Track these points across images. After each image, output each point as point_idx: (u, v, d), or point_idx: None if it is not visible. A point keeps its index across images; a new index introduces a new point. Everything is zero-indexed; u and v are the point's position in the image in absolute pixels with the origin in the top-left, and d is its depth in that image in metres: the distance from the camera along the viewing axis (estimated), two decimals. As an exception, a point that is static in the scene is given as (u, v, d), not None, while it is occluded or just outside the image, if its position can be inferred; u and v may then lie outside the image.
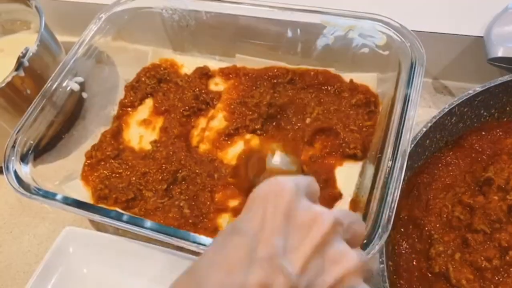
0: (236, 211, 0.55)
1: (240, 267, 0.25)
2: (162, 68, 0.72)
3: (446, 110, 0.50)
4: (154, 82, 0.70)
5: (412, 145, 0.48)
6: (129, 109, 0.69)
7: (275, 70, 0.67)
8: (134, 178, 0.60)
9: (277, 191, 0.28)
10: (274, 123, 0.63)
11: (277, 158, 0.60)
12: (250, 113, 0.64)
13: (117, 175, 0.61)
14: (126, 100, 0.69)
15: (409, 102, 0.50)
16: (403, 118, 0.49)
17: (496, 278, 0.47)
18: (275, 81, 0.67)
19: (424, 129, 0.49)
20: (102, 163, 0.62)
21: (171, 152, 0.62)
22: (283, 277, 0.24)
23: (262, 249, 0.25)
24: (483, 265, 0.47)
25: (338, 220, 0.28)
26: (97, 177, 0.61)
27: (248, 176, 0.58)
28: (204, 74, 0.70)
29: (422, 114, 0.64)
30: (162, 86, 0.70)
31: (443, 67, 0.67)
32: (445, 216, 0.52)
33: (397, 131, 0.48)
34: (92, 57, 0.66)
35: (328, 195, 0.55)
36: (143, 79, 0.71)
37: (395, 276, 0.47)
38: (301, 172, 0.58)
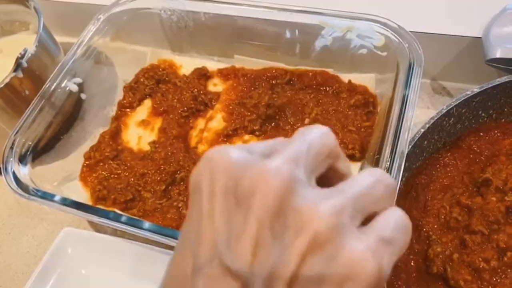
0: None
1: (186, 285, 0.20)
2: (160, 69, 0.72)
3: (444, 111, 0.50)
4: (152, 83, 0.70)
5: (410, 146, 0.48)
6: (128, 110, 0.69)
7: (274, 71, 0.67)
8: (132, 179, 0.60)
9: (211, 165, 0.21)
10: (272, 124, 0.63)
11: None
12: (249, 114, 0.64)
13: (116, 176, 0.61)
14: (124, 101, 0.69)
15: (407, 103, 0.50)
16: (401, 119, 0.49)
17: (494, 279, 0.47)
18: (273, 82, 0.67)
19: (422, 130, 0.49)
20: (101, 164, 0.62)
21: (169, 153, 0.62)
22: (231, 279, 0.19)
23: (202, 251, 0.20)
24: (481, 266, 0.47)
25: (290, 161, 0.20)
26: (95, 178, 0.61)
27: None
28: (202, 75, 0.70)
29: (420, 115, 0.64)
30: (160, 87, 0.70)
31: (442, 68, 0.67)
32: (443, 217, 0.52)
33: (395, 132, 0.48)
34: (90, 58, 0.66)
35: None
36: (141, 80, 0.71)
37: (393, 277, 0.47)
38: None
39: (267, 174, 0.19)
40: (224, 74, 0.70)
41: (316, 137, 0.23)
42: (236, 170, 0.20)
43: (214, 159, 0.21)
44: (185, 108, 0.66)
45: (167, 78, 0.71)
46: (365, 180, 0.22)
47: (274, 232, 0.19)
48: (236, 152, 0.21)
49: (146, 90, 0.70)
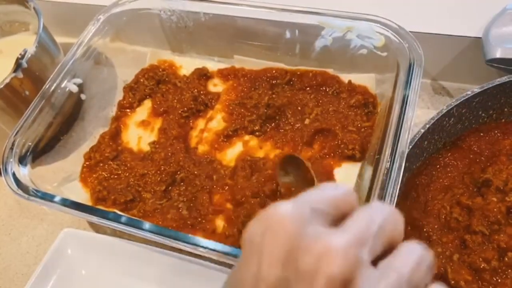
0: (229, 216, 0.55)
1: None
2: (160, 69, 0.72)
3: (444, 111, 0.50)
4: (152, 84, 0.70)
5: (410, 147, 0.48)
6: (128, 110, 0.69)
7: (274, 71, 0.67)
8: (132, 180, 0.60)
9: (273, 231, 0.21)
10: (272, 124, 0.63)
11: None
12: (249, 114, 0.64)
13: (116, 176, 0.61)
14: (124, 102, 0.69)
15: (407, 103, 0.50)
16: (401, 119, 0.49)
17: (494, 279, 0.47)
18: (273, 82, 0.67)
19: (422, 131, 0.49)
20: (101, 164, 0.62)
21: (169, 154, 0.62)
22: None
23: None
24: (481, 266, 0.47)
25: (360, 246, 0.20)
26: (95, 178, 0.61)
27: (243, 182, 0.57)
28: (202, 75, 0.70)
29: (420, 115, 0.64)
30: (160, 87, 0.70)
31: (442, 68, 0.67)
32: (443, 217, 0.52)
33: (395, 132, 0.48)
34: (90, 58, 0.66)
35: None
36: (141, 80, 0.71)
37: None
38: None
39: (333, 255, 0.19)
40: (224, 74, 0.70)
41: (387, 218, 0.23)
42: (300, 239, 0.20)
43: (277, 220, 0.21)
44: (185, 109, 0.66)
45: (167, 79, 0.71)
46: (413, 258, 0.22)
47: None
48: (299, 215, 0.21)
49: (146, 90, 0.70)
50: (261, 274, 0.20)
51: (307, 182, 0.53)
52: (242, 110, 0.65)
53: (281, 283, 0.20)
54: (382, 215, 0.23)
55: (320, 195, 0.23)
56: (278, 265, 0.20)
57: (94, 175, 0.62)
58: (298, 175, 0.55)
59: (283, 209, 0.21)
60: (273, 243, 0.20)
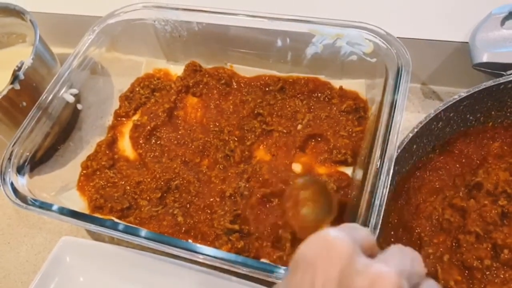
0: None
1: None
2: (155, 78, 0.73)
3: (432, 115, 0.51)
4: (148, 92, 0.71)
5: (399, 150, 0.49)
6: (124, 119, 0.70)
7: (266, 78, 0.68)
8: (129, 187, 0.61)
9: (328, 253, 0.23)
10: (266, 130, 0.64)
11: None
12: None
13: (112, 184, 0.62)
14: (120, 110, 0.70)
15: (396, 108, 0.51)
16: (390, 124, 0.50)
17: (485, 278, 0.48)
18: (266, 89, 0.68)
19: (411, 135, 0.50)
20: (98, 173, 0.63)
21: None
22: None
23: None
24: (474, 264, 0.48)
25: (402, 273, 0.23)
26: (92, 187, 0.62)
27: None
28: (195, 70, 0.71)
29: (411, 119, 0.65)
30: (155, 95, 0.71)
31: (431, 73, 0.68)
32: (435, 219, 0.52)
33: (384, 136, 0.49)
34: (86, 68, 0.67)
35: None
36: (137, 89, 0.72)
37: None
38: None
39: (386, 279, 0.22)
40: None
41: (416, 256, 0.26)
42: (354, 262, 0.23)
43: (333, 244, 0.23)
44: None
45: (162, 87, 0.72)
46: None
47: None
48: (351, 242, 0.24)
49: (142, 99, 0.71)
50: None
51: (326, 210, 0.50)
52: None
53: None
54: (412, 253, 0.26)
55: (359, 231, 0.26)
56: (333, 283, 0.22)
57: (91, 184, 0.63)
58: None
59: (337, 234, 0.24)
60: (328, 263, 0.23)
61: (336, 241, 0.24)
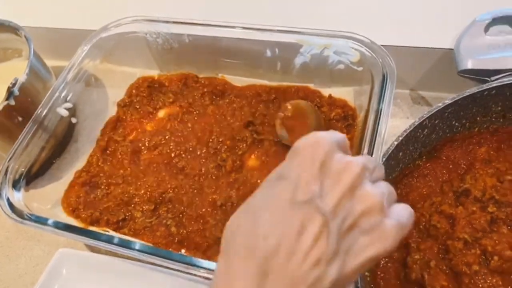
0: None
1: (285, 208, 0.30)
2: (149, 81, 0.75)
3: (417, 123, 0.51)
4: (144, 90, 0.73)
5: (385, 158, 0.49)
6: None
7: (257, 88, 0.69)
8: (122, 199, 0.62)
9: (315, 143, 0.32)
10: (257, 139, 0.65)
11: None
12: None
13: (106, 196, 0.63)
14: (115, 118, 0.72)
15: (381, 115, 0.52)
16: (375, 131, 0.51)
17: (472, 283, 0.48)
18: (257, 98, 0.69)
19: (396, 143, 0.50)
20: (91, 184, 0.64)
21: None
22: (320, 215, 0.29)
23: (301, 194, 0.30)
24: (463, 270, 0.48)
25: (365, 166, 0.32)
26: (83, 199, 0.63)
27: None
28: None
29: (399, 125, 0.66)
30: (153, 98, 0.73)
31: (419, 79, 0.69)
32: (422, 225, 0.53)
33: (370, 144, 0.51)
34: (81, 81, 0.68)
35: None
36: (133, 91, 0.74)
37: (372, 285, 0.49)
38: None
39: (354, 164, 0.31)
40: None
41: (377, 163, 0.35)
42: (334, 152, 0.32)
43: (321, 140, 0.32)
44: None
45: (158, 87, 0.74)
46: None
47: (350, 195, 0.31)
48: (334, 142, 0.32)
49: (143, 100, 0.72)
50: (304, 167, 0.31)
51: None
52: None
53: (319, 176, 0.30)
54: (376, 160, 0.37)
55: (339, 135, 0.34)
56: (317, 165, 0.30)
57: (81, 195, 0.63)
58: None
59: (323, 134, 0.33)
60: (315, 151, 0.31)
61: (322, 138, 0.32)
